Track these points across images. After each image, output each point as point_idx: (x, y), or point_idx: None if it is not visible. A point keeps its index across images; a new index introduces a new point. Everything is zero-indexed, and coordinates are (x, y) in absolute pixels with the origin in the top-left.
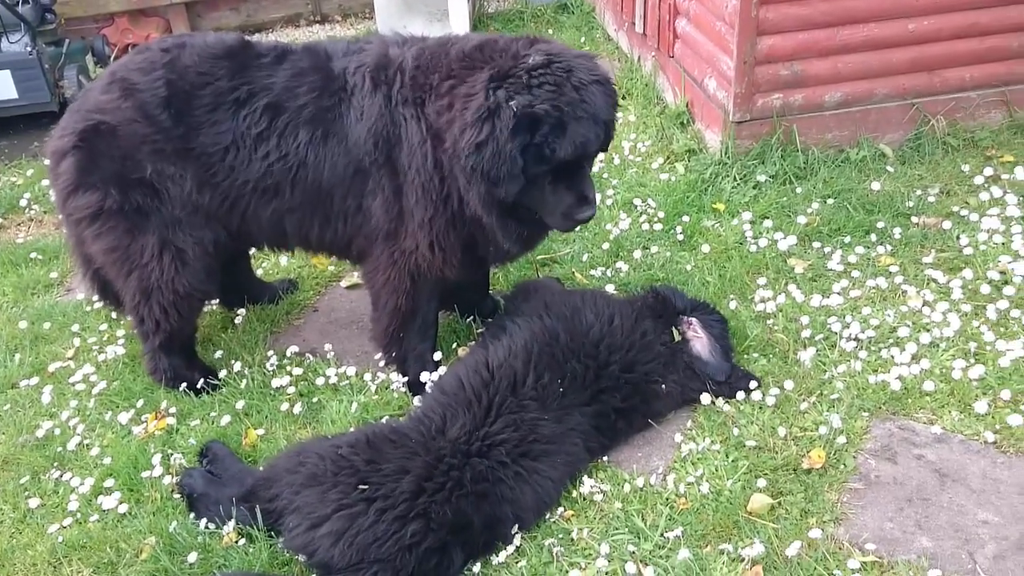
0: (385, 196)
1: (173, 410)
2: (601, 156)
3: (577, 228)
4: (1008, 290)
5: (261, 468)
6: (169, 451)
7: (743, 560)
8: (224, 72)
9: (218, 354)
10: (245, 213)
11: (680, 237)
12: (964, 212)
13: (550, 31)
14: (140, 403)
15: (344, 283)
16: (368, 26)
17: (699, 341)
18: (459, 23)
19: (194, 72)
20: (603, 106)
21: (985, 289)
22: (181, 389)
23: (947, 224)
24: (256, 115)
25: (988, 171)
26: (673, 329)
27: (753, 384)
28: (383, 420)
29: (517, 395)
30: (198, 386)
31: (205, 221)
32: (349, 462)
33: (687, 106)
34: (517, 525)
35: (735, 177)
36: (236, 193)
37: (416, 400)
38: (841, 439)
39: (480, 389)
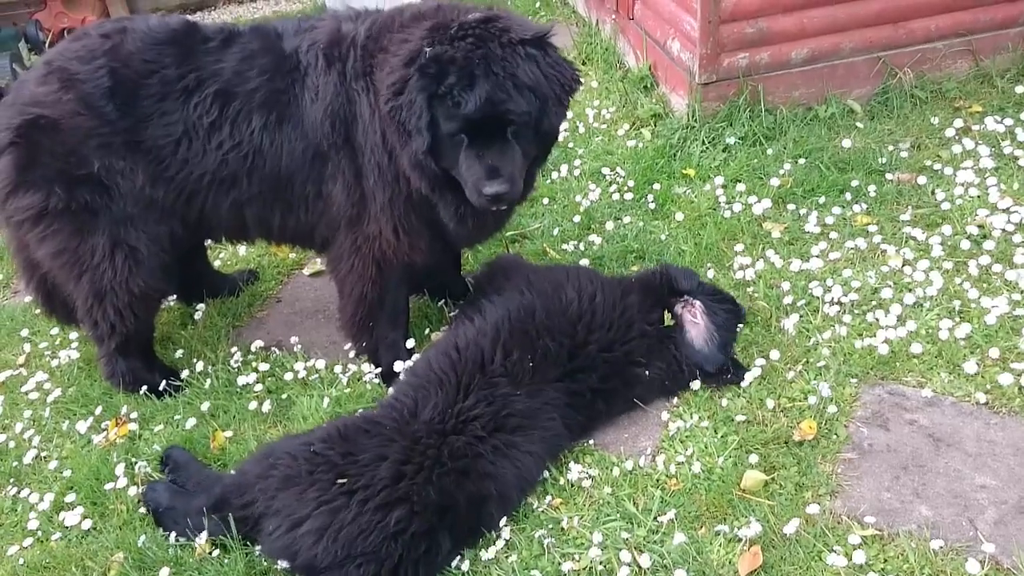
0: (346, 180)
1: (134, 415)
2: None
3: (494, 208)
4: (988, 244)
5: (231, 473)
6: (133, 459)
7: (740, 541)
8: (171, 59)
9: (179, 353)
10: (203, 206)
11: (652, 206)
12: (937, 166)
13: None
14: (99, 410)
15: (307, 271)
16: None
17: (695, 327)
18: None
19: (139, 59)
20: (530, 71)
21: (965, 244)
22: (142, 392)
23: (922, 179)
24: (207, 103)
25: (958, 123)
26: (665, 312)
27: (746, 377)
28: (356, 413)
29: (485, 372)
30: (160, 388)
31: (159, 216)
32: (324, 458)
33: (650, 69)
34: (503, 507)
35: (703, 141)
36: (192, 186)
37: (390, 391)
38: (831, 408)
39: (448, 369)
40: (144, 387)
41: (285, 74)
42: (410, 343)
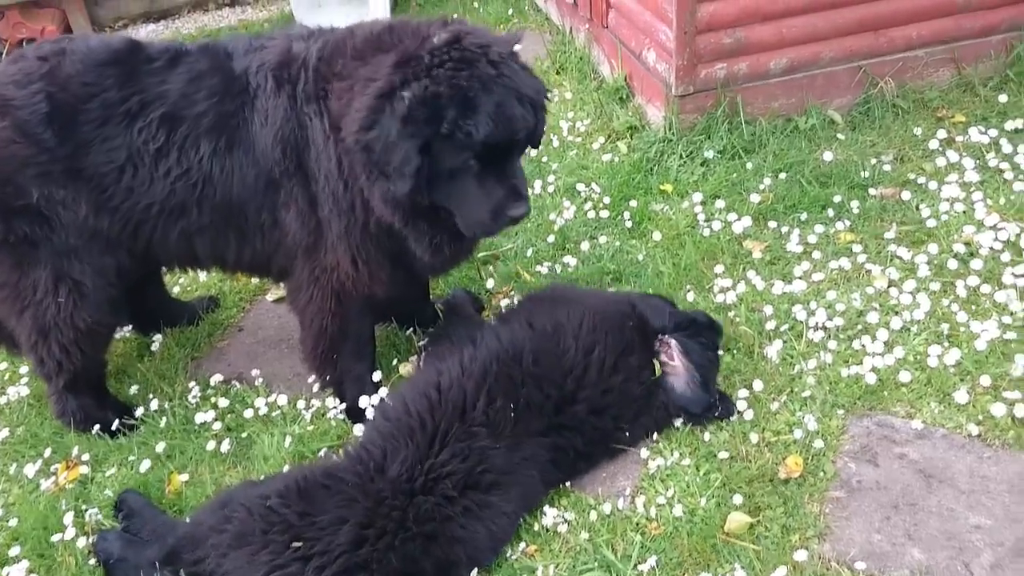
0: (299, 207)
1: (86, 457)
2: (532, 152)
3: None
4: (976, 263)
5: (186, 521)
6: (83, 506)
7: None
8: (112, 81)
9: (134, 388)
10: (151, 237)
11: (629, 224)
12: (921, 180)
13: (475, 4)
14: (48, 452)
15: (270, 296)
16: (282, 7)
17: (673, 369)
18: (379, 3)
19: (78, 82)
20: (527, 82)
21: (952, 264)
22: (94, 432)
23: (906, 194)
24: (152, 128)
25: (941, 134)
26: (655, 362)
27: (733, 413)
28: (321, 453)
29: (465, 420)
30: (113, 427)
31: (105, 248)
32: (280, 516)
33: (626, 80)
34: (472, 568)
35: (681, 154)
36: (139, 216)
37: (357, 428)
38: (818, 443)
39: (425, 413)
40: (96, 426)
41: (234, 96)
42: (376, 376)
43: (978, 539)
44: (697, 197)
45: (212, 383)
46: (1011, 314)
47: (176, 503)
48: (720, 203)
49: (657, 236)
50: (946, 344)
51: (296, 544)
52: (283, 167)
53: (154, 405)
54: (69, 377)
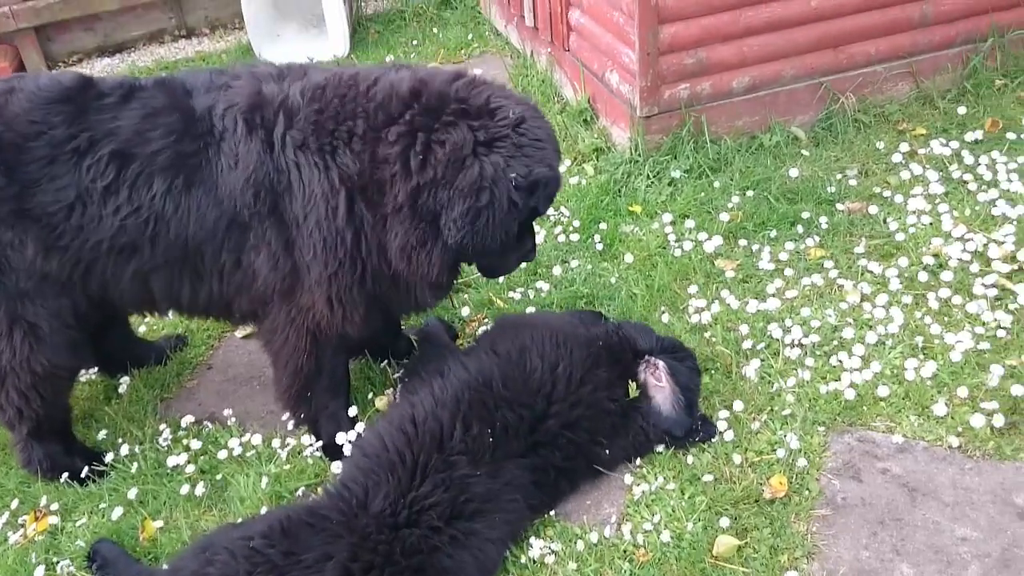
0: (271, 251)
1: (55, 507)
2: None
3: None
4: (946, 275)
5: (164, 569)
6: (55, 558)
7: None
8: (60, 118)
9: (102, 433)
10: (103, 276)
11: (599, 247)
12: (887, 193)
13: (435, 30)
14: (15, 503)
15: (239, 333)
16: (239, 37)
17: (660, 391)
18: (336, 28)
19: (24, 121)
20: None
21: (923, 276)
22: (63, 480)
23: (873, 208)
24: (101, 165)
25: (904, 147)
26: (630, 382)
27: (715, 434)
28: (299, 492)
29: (443, 450)
30: (82, 474)
31: (59, 289)
32: (264, 556)
33: (589, 102)
34: None
35: (648, 175)
36: (89, 255)
37: (334, 466)
38: (801, 461)
39: (403, 448)
40: (65, 474)
41: (196, 137)
42: (352, 411)
43: (965, 552)
44: (667, 218)
45: (183, 424)
46: (983, 324)
47: (151, 550)
48: (690, 223)
49: (629, 258)
50: (922, 357)
51: None
52: (254, 210)
53: (124, 450)
54: (32, 424)
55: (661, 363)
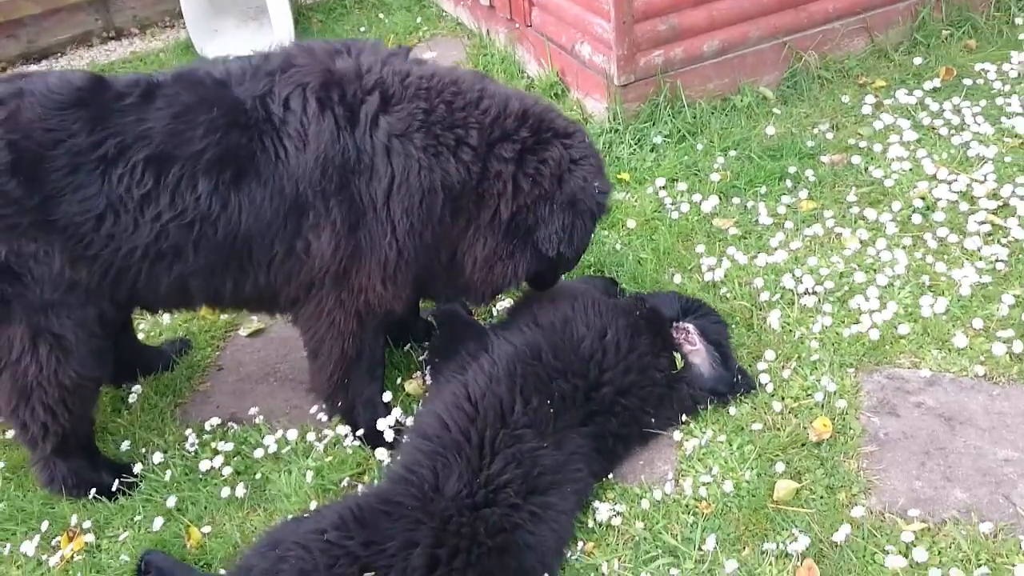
0: (336, 230)
1: (87, 524)
2: None
3: None
4: (938, 216)
5: (229, 571)
6: None
7: (790, 556)
8: (80, 124)
9: (125, 445)
10: (135, 283)
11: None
12: (863, 144)
13: (380, 15)
14: (44, 525)
15: (243, 331)
16: (172, 36)
17: (697, 354)
18: (281, 20)
19: (41, 129)
20: None
21: (916, 219)
22: (91, 496)
23: (855, 159)
24: (137, 173)
25: (870, 99)
26: (676, 356)
27: (755, 385)
28: (343, 483)
29: (508, 425)
30: (112, 488)
31: (85, 299)
32: (343, 548)
33: (558, 76)
34: (545, 574)
35: (630, 143)
36: (122, 263)
37: (378, 452)
38: (840, 402)
39: (467, 426)
40: (93, 490)
41: (245, 128)
42: (386, 396)
43: (1010, 471)
44: (659, 182)
45: (207, 428)
46: (982, 259)
47: (201, 557)
48: (682, 185)
49: (632, 224)
50: (932, 294)
51: (368, 574)
52: (320, 187)
53: (158, 458)
54: (57, 440)
55: (690, 326)
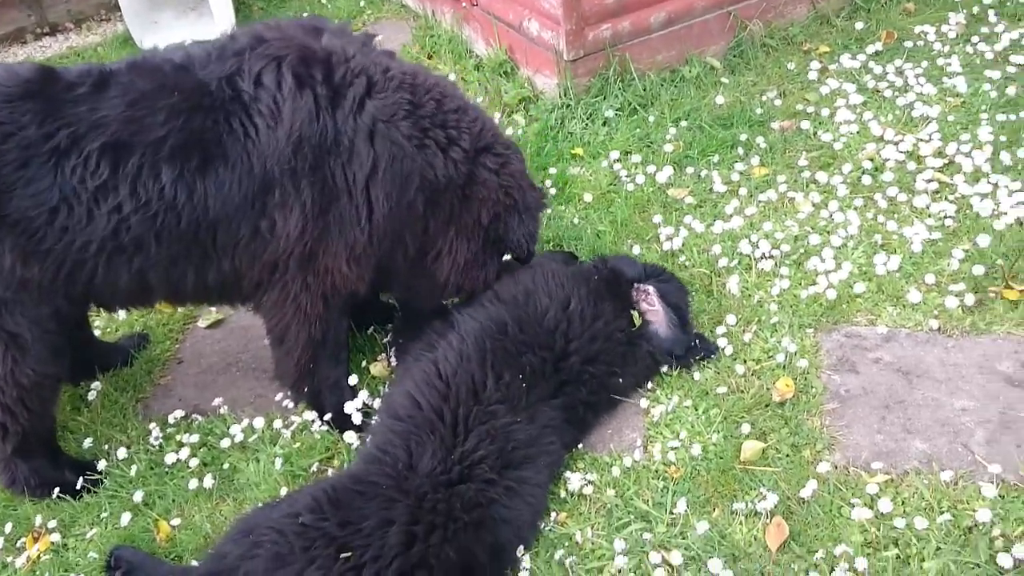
0: (305, 211)
1: (52, 524)
2: None
3: None
4: (887, 176)
5: (202, 561)
6: (68, 575)
7: (760, 515)
8: (30, 116)
9: (87, 442)
10: (92, 278)
11: (553, 191)
12: (810, 109)
13: (323, 1)
14: (8, 527)
15: (202, 323)
16: (109, 29)
17: (656, 314)
18: (221, 7)
19: None
20: None
21: (866, 180)
22: (55, 496)
23: (804, 124)
24: (91, 162)
25: (815, 65)
26: (633, 313)
27: (715, 350)
28: (313, 469)
29: (481, 401)
30: (77, 486)
31: (39, 295)
32: (319, 530)
33: (507, 53)
34: (520, 547)
35: (581, 117)
36: (76, 257)
37: (347, 436)
38: (802, 362)
39: (439, 404)
40: (57, 489)
41: (211, 110)
42: (352, 379)
43: (968, 421)
44: (613, 155)
45: (171, 421)
46: (931, 216)
47: (172, 550)
48: (636, 158)
49: (588, 197)
50: (885, 253)
51: (345, 555)
52: (291, 165)
53: (122, 453)
54: (17, 440)
55: (651, 288)
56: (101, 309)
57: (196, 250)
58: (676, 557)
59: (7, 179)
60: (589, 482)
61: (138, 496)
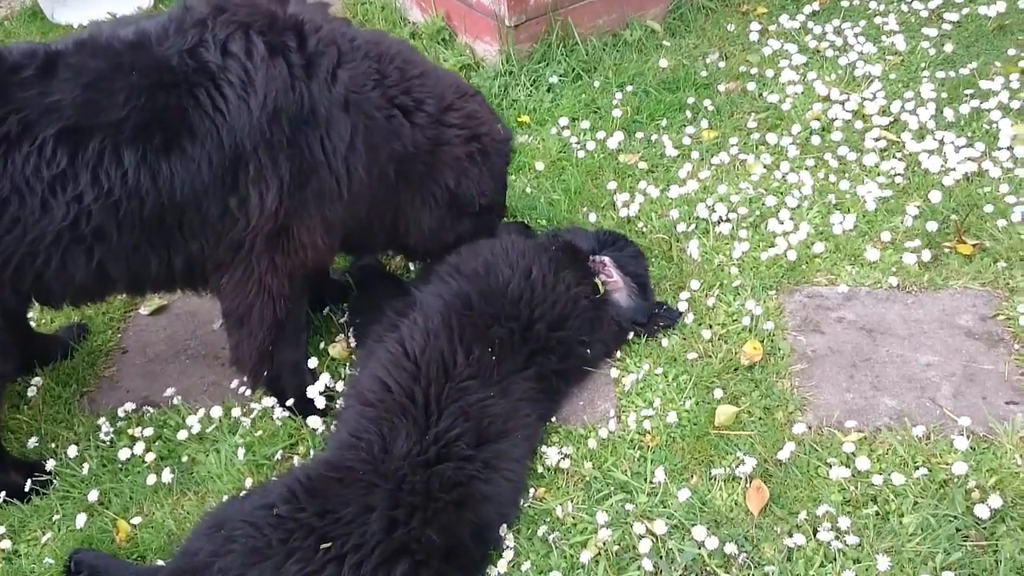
0: (283, 185)
1: (1, 530)
2: None
3: None
4: (836, 136)
5: (170, 560)
6: None
7: (739, 479)
8: None
9: (31, 441)
10: (44, 272)
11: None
12: (754, 71)
13: None
14: None
15: (144, 310)
16: (16, 2)
17: (614, 285)
18: None
19: None
20: None
21: (815, 140)
22: (1, 500)
23: (750, 85)
24: (45, 150)
25: (755, 26)
26: (596, 281)
27: (678, 316)
28: (276, 457)
29: (452, 378)
30: (25, 489)
31: None
32: (296, 521)
33: (444, 21)
34: (504, 525)
35: (525, 84)
36: (27, 250)
37: (310, 421)
38: (768, 324)
39: (410, 386)
40: (3, 492)
41: (174, 85)
42: (312, 362)
43: (933, 375)
44: (562, 122)
45: (121, 414)
46: (882, 174)
47: (133, 550)
48: (585, 124)
49: (540, 166)
50: (839, 212)
51: (325, 545)
52: (267, 138)
53: (71, 452)
54: None
55: (607, 259)
56: (44, 306)
57: (162, 236)
58: (660, 526)
59: None
60: (566, 456)
61: (93, 495)
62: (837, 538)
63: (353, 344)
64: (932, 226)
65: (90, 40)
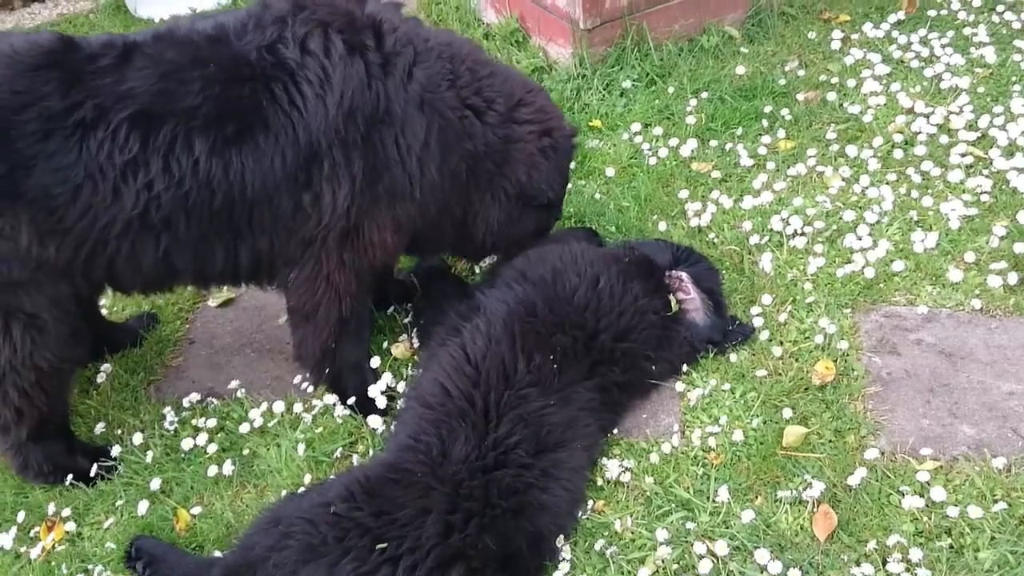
0: (355, 183)
1: (67, 512)
2: None
3: None
4: (919, 150)
5: (229, 552)
6: (87, 566)
7: (806, 503)
8: (52, 87)
9: (99, 427)
10: (115, 259)
11: (573, 165)
12: (835, 80)
13: None
14: (21, 516)
15: (213, 302)
16: None
17: (691, 302)
18: None
19: (7, 91)
20: None
21: (898, 154)
22: (67, 483)
23: (830, 95)
24: (119, 136)
25: (838, 34)
26: (671, 298)
27: (752, 331)
28: (336, 455)
29: (512, 386)
30: (91, 473)
31: (59, 275)
32: (352, 520)
33: (518, 22)
34: (560, 537)
35: (598, 88)
36: (98, 237)
37: (372, 421)
38: (842, 343)
39: (469, 391)
40: (70, 476)
41: (249, 79)
42: (374, 361)
43: (1016, 404)
44: (635, 128)
45: (186, 404)
46: (967, 191)
47: (192, 539)
48: (657, 130)
49: (610, 172)
50: (920, 230)
51: (381, 546)
52: (341, 136)
53: (137, 439)
54: (33, 424)
55: (684, 274)
56: (116, 292)
57: (231, 228)
58: (721, 547)
59: (28, 152)
60: (627, 469)
61: (155, 483)
62: (907, 570)
63: (416, 345)
64: (1020, 248)
65: (168, 33)
